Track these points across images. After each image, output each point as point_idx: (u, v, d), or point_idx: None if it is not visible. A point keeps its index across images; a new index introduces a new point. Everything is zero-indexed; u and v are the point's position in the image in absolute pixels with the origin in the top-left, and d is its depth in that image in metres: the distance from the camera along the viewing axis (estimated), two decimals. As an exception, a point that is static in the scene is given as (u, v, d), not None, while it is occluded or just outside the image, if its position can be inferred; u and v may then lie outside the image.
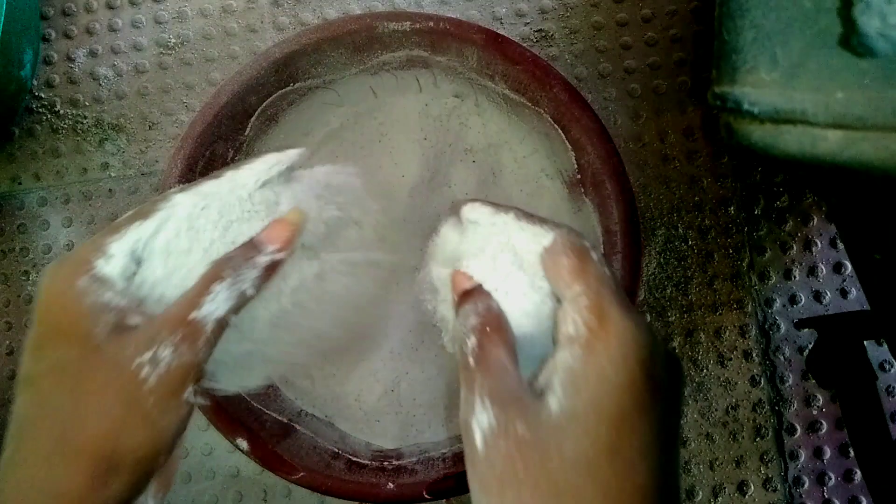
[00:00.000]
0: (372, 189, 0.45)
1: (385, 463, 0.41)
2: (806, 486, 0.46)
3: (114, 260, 0.24)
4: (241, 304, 0.25)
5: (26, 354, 0.24)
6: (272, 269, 0.26)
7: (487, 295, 0.25)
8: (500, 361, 0.22)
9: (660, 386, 0.21)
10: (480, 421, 0.21)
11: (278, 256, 0.26)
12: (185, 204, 0.26)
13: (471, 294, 0.25)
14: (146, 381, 0.22)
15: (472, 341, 0.23)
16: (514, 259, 0.26)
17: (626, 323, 0.21)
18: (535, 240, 0.25)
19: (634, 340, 0.21)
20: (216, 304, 0.23)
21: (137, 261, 0.25)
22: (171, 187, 0.39)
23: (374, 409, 0.44)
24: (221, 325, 0.24)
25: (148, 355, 0.22)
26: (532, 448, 0.20)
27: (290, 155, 0.29)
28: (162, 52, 0.51)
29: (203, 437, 0.48)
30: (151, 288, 0.25)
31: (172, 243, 0.25)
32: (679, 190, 0.48)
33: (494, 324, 0.24)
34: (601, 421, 0.20)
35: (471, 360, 0.23)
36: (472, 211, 0.28)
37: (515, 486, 0.20)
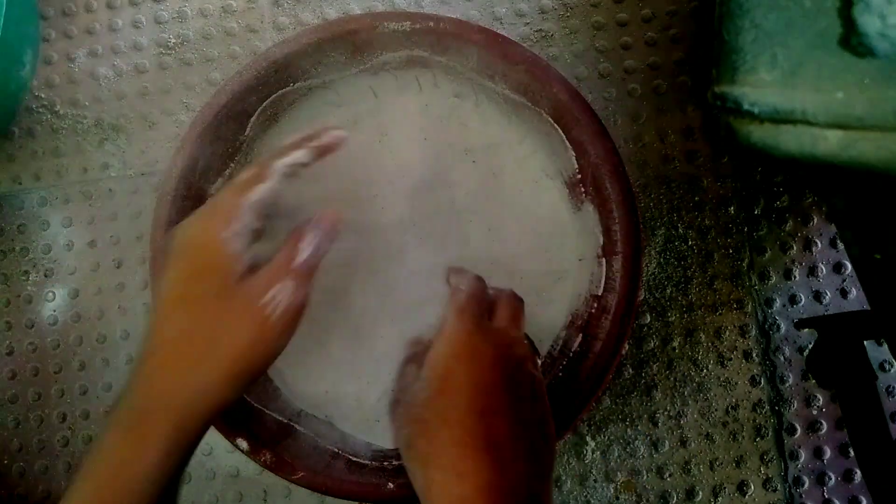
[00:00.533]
0: (371, 190, 0.45)
1: (385, 463, 0.41)
2: (806, 486, 0.46)
3: (245, 217, 0.32)
4: (321, 257, 0.34)
5: (176, 282, 0.32)
6: (333, 236, 0.35)
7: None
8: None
9: (473, 350, 0.33)
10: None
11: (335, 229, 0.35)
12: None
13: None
14: (269, 317, 0.31)
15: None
16: None
17: (450, 318, 0.33)
18: None
19: (452, 326, 0.33)
20: (308, 255, 0.33)
21: (263, 214, 0.33)
22: (171, 187, 0.40)
23: (373, 409, 0.44)
24: (315, 269, 0.33)
25: (270, 294, 0.31)
26: (407, 405, 0.33)
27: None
28: (162, 52, 0.51)
29: (203, 437, 0.48)
30: (270, 239, 0.34)
31: (282, 203, 0.34)
32: (679, 190, 0.48)
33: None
34: (434, 376, 0.32)
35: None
36: None
37: (399, 427, 0.32)
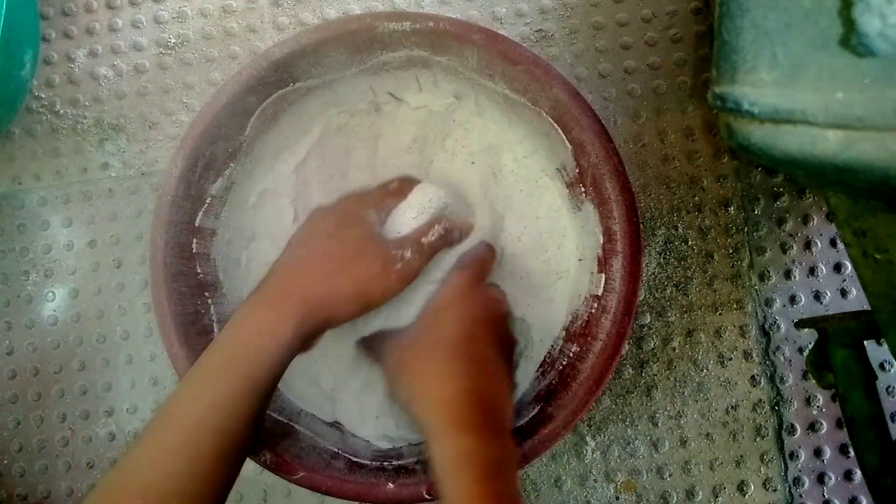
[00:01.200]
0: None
1: (385, 463, 0.41)
2: (806, 486, 0.46)
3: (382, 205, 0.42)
4: (444, 244, 0.42)
5: (325, 221, 0.40)
6: (453, 238, 0.43)
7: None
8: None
9: (460, 298, 0.39)
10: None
11: (464, 237, 0.44)
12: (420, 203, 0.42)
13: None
14: (395, 263, 0.38)
15: None
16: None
17: (452, 276, 0.41)
18: None
19: (448, 282, 0.41)
20: (435, 238, 0.41)
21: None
22: (171, 187, 0.40)
23: (374, 408, 0.44)
24: (435, 250, 0.41)
25: (398, 252, 0.39)
26: (400, 338, 0.39)
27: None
28: (162, 52, 0.51)
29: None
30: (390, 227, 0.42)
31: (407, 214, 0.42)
32: (679, 190, 0.48)
33: None
34: (429, 314, 0.39)
35: None
36: None
37: (390, 354, 0.39)
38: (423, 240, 0.40)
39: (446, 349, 0.35)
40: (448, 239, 0.42)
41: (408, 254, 0.39)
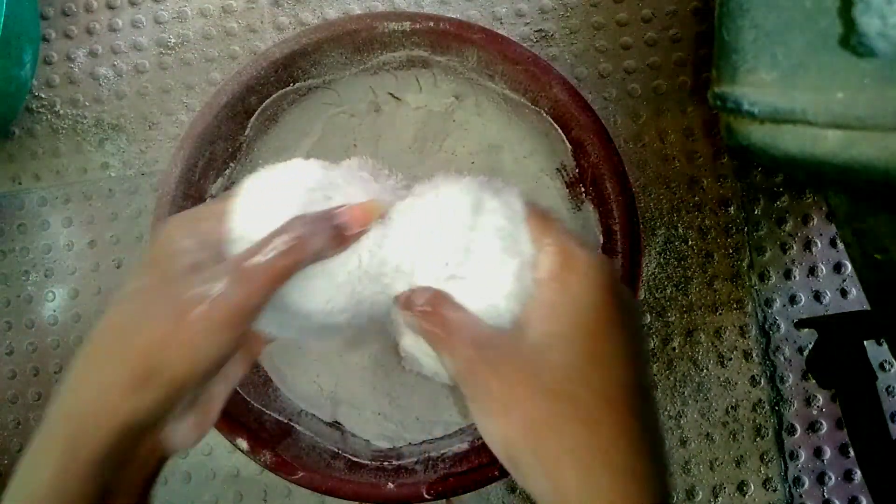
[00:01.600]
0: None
1: (385, 463, 0.41)
2: (806, 486, 0.46)
3: (214, 224, 0.27)
4: (300, 262, 0.26)
5: (128, 276, 0.28)
6: (342, 241, 0.27)
7: (425, 287, 0.27)
8: (460, 318, 0.25)
9: (625, 304, 0.25)
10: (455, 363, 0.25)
11: (350, 232, 0.28)
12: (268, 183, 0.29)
13: (407, 294, 0.28)
14: (194, 310, 0.24)
15: (425, 309, 0.26)
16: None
17: (590, 258, 0.25)
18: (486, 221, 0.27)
19: (600, 270, 0.25)
20: (271, 256, 0.25)
21: (233, 230, 0.28)
22: (171, 187, 0.40)
23: (374, 408, 0.44)
24: (275, 275, 0.25)
25: (202, 288, 0.24)
26: (522, 368, 0.24)
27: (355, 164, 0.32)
28: (162, 52, 0.51)
29: (203, 438, 0.48)
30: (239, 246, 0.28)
31: (261, 217, 0.27)
32: (679, 190, 0.48)
33: (438, 297, 0.26)
34: (581, 335, 0.24)
35: (429, 327, 0.26)
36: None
37: (511, 391, 0.23)
38: (247, 263, 0.25)
39: (627, 425, 0.23)
40: (313, 249, 0.26)
41: (213, 290, 0.24)
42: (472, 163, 0.45)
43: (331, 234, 0.27)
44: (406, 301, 0.27)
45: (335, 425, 0.45)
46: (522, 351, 0.24)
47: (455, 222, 0.28)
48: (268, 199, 0.28)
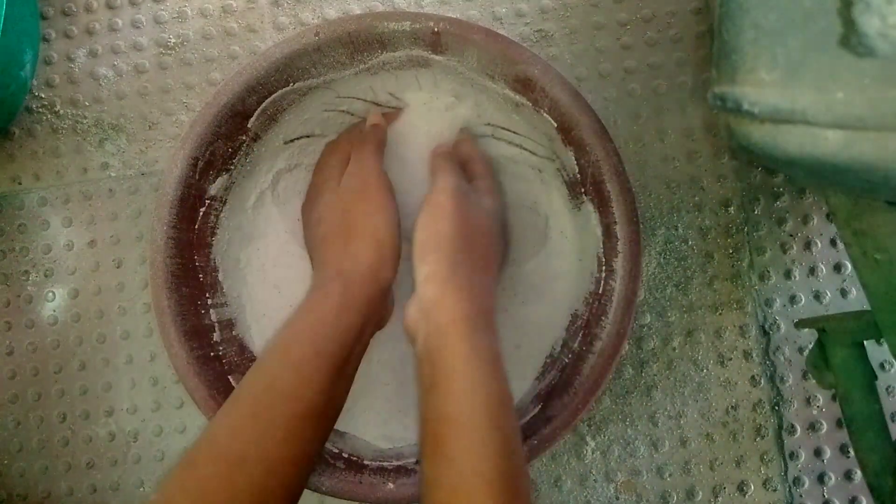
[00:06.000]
0: None
1: (385, 463, 0.41)
2: (806, 486, 0.46)
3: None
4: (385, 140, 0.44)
5: (329, 181, 0.42)
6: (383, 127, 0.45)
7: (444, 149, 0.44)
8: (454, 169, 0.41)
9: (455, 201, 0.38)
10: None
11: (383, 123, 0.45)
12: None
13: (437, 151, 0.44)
14: (389, 200, 0.40)
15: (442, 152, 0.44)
16: None
17: (443, 185, 0.38)
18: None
19: (442, 191, 0.38)
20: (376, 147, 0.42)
21: None
22: (171, 187, 0.40)
23: (375, 408, 0.44)
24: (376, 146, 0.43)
25: (382, 184, 0.40)
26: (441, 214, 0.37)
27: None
28: (162, 52, 0.51)
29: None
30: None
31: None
32: (679, 190, 0.48)
33: (467, 150, 0.44)
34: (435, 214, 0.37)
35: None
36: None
37: (425, 228, 0.36)
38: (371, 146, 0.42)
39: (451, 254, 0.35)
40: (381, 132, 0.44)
41: (376, 181, 0.40)
42: (472, 163, 0.45)
43: (381, 124, 0.44)
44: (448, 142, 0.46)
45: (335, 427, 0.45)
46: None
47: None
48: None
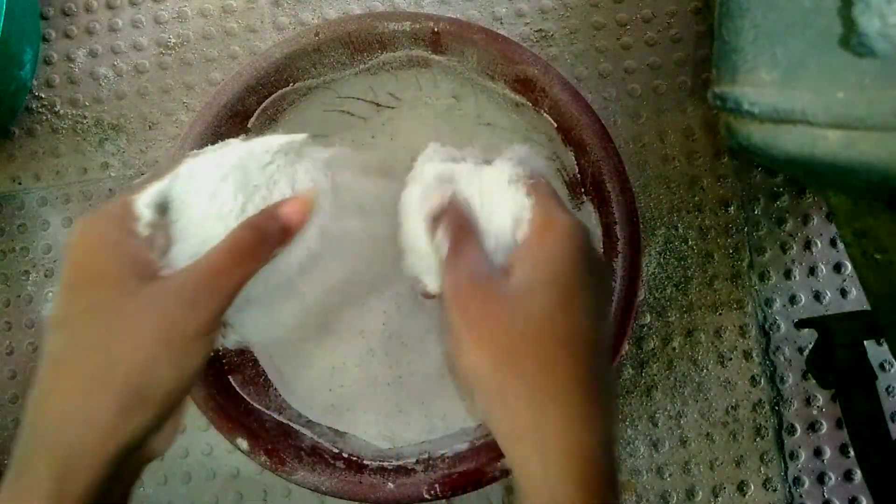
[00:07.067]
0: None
1: (385, 463, 0.41)
2: (806, 486, 0.46)
3: (142, 215, 0.27)
4: (261, 263, 0.27)
5: (58, 298, 0.26)
6: (288, 235, 0.29)
7: (459, 208, 0.31)
8: (472, 253, 0.28)
9: (594, 265, 0.27)
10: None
11: (294, 226, 0.29)
12: (203, 166, 0.29)
13: (446, 210, 0.31)
14: (177, 324, 0.24)
15: (450, 240, 0.29)
16: (479, 195, 0.31)
17: (567, 220, 0.28)
18: (496, 176, 0.32)
19: (574, 229, 0.27)
20: (232, 263, 0.26)
21: (162, 214, 0.28)
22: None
23: (375, 408, 0.44)
24: (241, 279, 0.26)
25: (181, 302, 0.24)
26: (502, 306, 0.26)
27: (298, 137, 0.32)
28: (162, 52, 0.51)
29: (203, 437, 0.48)
30: (177, 241, 0.28)
31: (194, 200, 0.28)
32: (679, 190, 0.48)
33: (466, 228, 0.29)
34: (554, 286, 0.26)
35: (451, 236, 0.29)
36: (434, 168, 0.33)
37: (488, 324, 0.25)
38: (217, 266, 0.26)
39: (583, 373, 0.25)
40: (263, 251, 0.27)
41: (192, 296, 0.24)
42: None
43: (279, 236, 0.28)
44: (441, 210, 0.31)
45: (335, 425, 0.45)
46: (503, 293, 0.26)
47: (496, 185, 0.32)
48: (202, 185, 0.28)
